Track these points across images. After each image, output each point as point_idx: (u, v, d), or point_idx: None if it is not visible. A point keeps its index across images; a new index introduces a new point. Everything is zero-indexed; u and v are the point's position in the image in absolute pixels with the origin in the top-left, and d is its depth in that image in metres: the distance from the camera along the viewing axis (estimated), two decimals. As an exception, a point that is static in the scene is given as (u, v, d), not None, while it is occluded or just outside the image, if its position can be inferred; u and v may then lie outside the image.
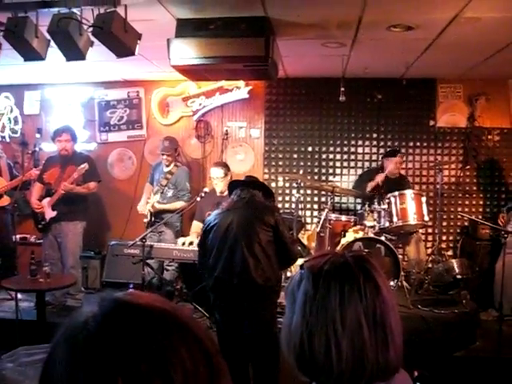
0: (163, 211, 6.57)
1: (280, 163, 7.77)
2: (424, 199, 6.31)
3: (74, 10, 4.08)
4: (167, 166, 6.82)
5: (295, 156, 7.74)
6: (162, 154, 6.78)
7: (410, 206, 6.16)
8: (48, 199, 6.19)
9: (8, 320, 5.66)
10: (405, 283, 6.02)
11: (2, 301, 6.41)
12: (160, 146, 6.93)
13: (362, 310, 1.23)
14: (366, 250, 5.76)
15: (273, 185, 7.53)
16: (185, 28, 4.91)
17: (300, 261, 4.76)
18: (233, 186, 4.57)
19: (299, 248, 6.21)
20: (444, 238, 7.48)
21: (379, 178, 6.61)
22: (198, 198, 6.05)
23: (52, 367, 0.75)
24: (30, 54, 4.30)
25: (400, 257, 6.12)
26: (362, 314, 1.23)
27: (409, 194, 6.24)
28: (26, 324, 5.36)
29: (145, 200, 6.81)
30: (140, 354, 0.71)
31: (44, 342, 4.26)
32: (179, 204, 6.56)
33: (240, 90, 7.59)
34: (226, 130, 7.70)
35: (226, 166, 6.16)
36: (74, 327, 0.76)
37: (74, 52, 4.17)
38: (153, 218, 6.59)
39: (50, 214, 6.13)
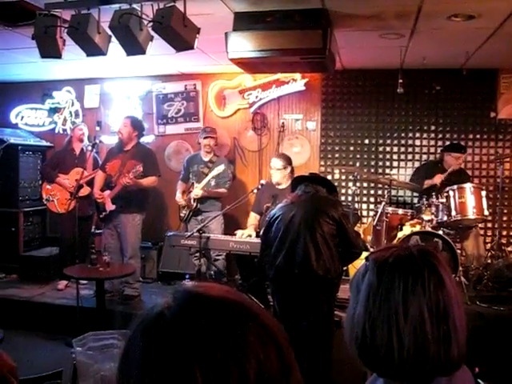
0: (207, 198, 6.65)
1: (336, 156, 7.72)
2: (484, 193, 6.15)
3: (135, 6, 4.18)
4: (208, 153, 6.82)
5: (352, 148, 7.67)
6: (206, 138, 6.77)
7: (469, 200, 6.02)
8: (108, 192, 6.31)
9: (70, 307, 5.90)
10: (463, 279, 5.89)
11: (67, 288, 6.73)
12: (201, 134, 6.95)
13: (425, 304, 1.22)
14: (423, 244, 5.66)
15: (329, 177, 7.47)
16: (242, 21, 4.94)
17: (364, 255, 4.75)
18: (297, 181, 4.60)
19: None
20: (504, 233, 7.26)
21: (438, 179, 6.44)
22: (255, 190, 6.14)
23: (130, 357, 0.78)
24: (92, 50, 4.42)
25: (458, 251, 6.01)
26: (425, 307, 1.22)
27: (468, 187, 6.10)
28: (86, 311, 5.56)
29: (180, 194, 6.86)
30: (215, 344, 0.73)
31: (103, 329, 4.39)
32: (221, 190, 6.68)
33: (296, 82, 7.57)
34: (283, 123, 7.71)
35: (286, 160, 6.07)
36: (150, 318, 0.79)
37: (134, 47, 4.27)
38: (198, 205, 6.64)
39: (109, 206, 6.26)
